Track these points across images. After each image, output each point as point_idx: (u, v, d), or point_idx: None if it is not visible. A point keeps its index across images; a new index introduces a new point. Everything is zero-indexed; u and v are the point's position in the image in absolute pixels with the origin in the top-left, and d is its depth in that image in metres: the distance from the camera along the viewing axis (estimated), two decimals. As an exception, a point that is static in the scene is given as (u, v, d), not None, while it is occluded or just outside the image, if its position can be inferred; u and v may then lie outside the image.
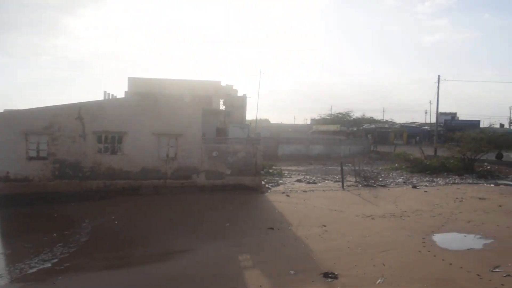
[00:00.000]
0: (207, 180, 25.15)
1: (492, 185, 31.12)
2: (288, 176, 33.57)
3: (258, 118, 60.65)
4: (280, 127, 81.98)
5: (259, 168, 26.57)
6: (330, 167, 40.87)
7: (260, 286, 11.22)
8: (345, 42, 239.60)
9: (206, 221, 18.70)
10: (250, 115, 59.93)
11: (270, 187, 27.78)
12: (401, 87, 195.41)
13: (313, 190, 27.04)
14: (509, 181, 33.39)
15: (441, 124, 76.42)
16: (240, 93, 34.16)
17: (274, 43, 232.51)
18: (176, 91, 28.45)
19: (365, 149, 55.04)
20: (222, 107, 33.19)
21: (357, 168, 32.44)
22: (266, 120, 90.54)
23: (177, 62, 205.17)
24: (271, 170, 34.45)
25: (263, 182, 27.75)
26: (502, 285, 11.42)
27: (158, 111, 24.38)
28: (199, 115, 25.15)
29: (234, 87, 33.63)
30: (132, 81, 31.68)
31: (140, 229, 17.39)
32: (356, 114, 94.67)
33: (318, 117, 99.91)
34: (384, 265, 12.88)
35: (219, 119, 30.22)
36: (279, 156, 47.27)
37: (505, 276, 12.11)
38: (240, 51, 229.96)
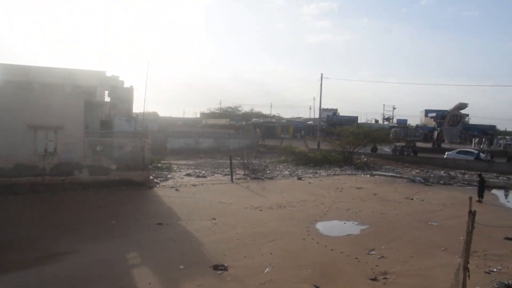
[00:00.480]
0: (90, 176, 23.72)
1: (368, 175, 33.82)
2: (178, 170, 33.10)
3: (146, 111, 59.08)
4: (169, 120, 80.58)
5: (147, 162, 25.78)
6: (219, 161, 41.18)
7: (149, 283, 10.89)
8: (235, 37, 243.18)
9: (90, 220, 17.58)
10: (137, 108, 57.99)
11: (158, 181, 27.11)
12: (288, 83, 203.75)
13: (202, 184, 26.97)
14: (382, 172, 36.58)
15: (324, 119, 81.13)
16: (127, 85, 32.76)
17: (164, 35, 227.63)
18: (56, 81, 26.31)
19: (254, 142, 56.34)
20: (107, 99, 31.51)
21: (245, 161, 33.02)
22: (155, 113, 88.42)
23: (59, 50, 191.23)
24: (159, 165, 33.68)
25: (151, 177, 26.98)
26: (377, 266, 12.48)
27: (34, 101, 22.42)
28: (81, 106, 23.61)
29: (120, 78, 32.13)
30: (4, 68, 28.67)
31: (14, 232, 15.67)
32: (245, 108, 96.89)
33: (208, 111, 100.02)
34: (271, 254, 13.31)
35: (103, 111, 28.65)
36: (168, 150, 46.39)
37: (379, 258, 13.25)
38: (127, 43, 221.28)
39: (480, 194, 22.92)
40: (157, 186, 25.70)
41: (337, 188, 26.54)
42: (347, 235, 16.16)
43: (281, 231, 16.13)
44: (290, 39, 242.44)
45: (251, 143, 54.84)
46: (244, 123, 79.64)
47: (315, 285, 10.89)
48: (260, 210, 19.86)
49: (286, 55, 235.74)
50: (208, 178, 29.95)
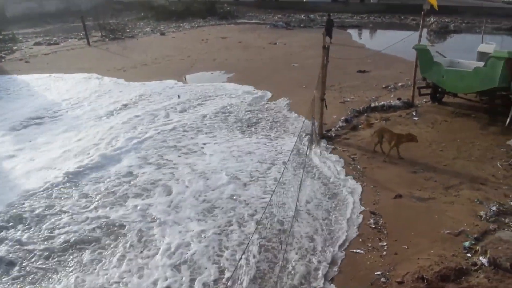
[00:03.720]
0: None
1: (232, 24, 33.56)
2: (24, 41, 29.32)
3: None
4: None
5: (-17, 33, 22.22)
6: (72, 25, 37.25)
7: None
8: None
9: None
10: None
11: (3, 56, 23.89)
12: None
13: (56, 52, 24.51)
14: (246, 19, 36.46)
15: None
16: None
17: None
18: None
19: (108, 0, 51.41)
20: None
21: (101, 21, 30.34)
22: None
23: None
24: (0, 37, 29.41)
25: (-7, 50, 23.64)
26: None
27: None
28: None
29: None
30: None
31: None
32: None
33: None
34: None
35: None
36: (9, 18, 40.31)
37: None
38: None
39: (329, 34, 23.97)
40: (3, 61, 22.71)
41: (202, 40, 26.09)
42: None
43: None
44: None
45: (105, 1, 49.94)
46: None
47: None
48: (124, 71, 18.91)
49: None
50: (62, 44, 27.21)
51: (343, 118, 11.58)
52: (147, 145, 10.31)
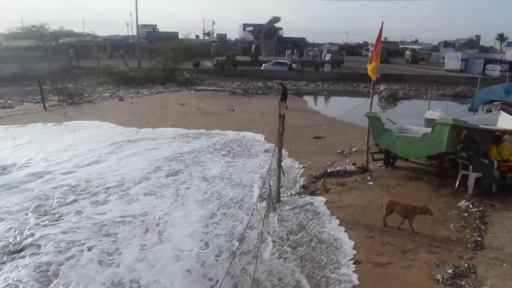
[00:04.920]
0: None
1: (192, 91, 34.13)
2: (-24, 104, 28.55)
3: None
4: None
5: None
6: (29, 88, 36.73)
7: None
8: None
9: None
10: None
11: (-48, 118, 23.08)
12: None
13: (10, 116, 23.84)
14: (205, 86, 37.27)
15: (143, 36, 77.66)
16: None
17: None
18: None
19: (67, 65, 51.49)
20: None
21: (59, 85, 30.13)
22: None
23: None
24: (-49, 99, 28.54)
25: None
26: (203, 176, 12.98)
27: None
28: None
29: None
30: None
31: None
32: (53, 27, 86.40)
33: (7, 32, 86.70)
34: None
35: None
36: (-38, 81, 39.42)
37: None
38: None
39: (284, 100, 24.66)
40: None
41: (161, 106, 26.25)
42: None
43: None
44: None
45: (65, 66, 49.92)
46: (54, 44, 71.49)
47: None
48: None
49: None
50: (17, 108, 26.58)
51: (300, 183, 11.72)
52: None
